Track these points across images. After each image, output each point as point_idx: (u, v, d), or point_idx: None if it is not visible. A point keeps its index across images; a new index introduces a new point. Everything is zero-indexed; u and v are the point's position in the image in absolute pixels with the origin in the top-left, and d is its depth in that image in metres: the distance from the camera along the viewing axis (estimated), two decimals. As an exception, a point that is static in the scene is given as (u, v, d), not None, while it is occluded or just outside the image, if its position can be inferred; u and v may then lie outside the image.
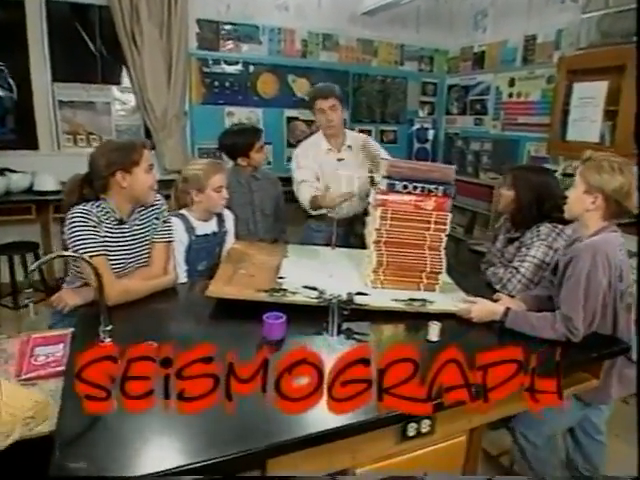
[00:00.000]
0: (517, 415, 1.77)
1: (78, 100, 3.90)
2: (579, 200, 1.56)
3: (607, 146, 3.26)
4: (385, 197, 1.71)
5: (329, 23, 4.48)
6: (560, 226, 1.92)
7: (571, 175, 3.70)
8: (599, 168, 1.51)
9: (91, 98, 3.95)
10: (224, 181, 2.05)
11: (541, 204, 1.94)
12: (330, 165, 2.48)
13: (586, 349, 1.48)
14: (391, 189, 1.70)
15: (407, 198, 1.70)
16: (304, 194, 2.45)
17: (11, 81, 3.73)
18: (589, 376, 1.53)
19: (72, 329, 1.50)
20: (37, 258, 3.26)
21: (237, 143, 2.52)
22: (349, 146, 2.57)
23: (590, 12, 3.56)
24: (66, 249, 1.61)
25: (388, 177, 1.70)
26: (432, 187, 1.71)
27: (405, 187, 1.68)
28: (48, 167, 3.53)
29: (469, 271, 2.33)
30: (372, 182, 2.02)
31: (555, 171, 3.96)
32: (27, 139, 3.75)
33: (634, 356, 1.59)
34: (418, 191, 1.70)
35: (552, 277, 1.75)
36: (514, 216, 2.03)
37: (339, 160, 2.51)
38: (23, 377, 1.26)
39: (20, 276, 3.42)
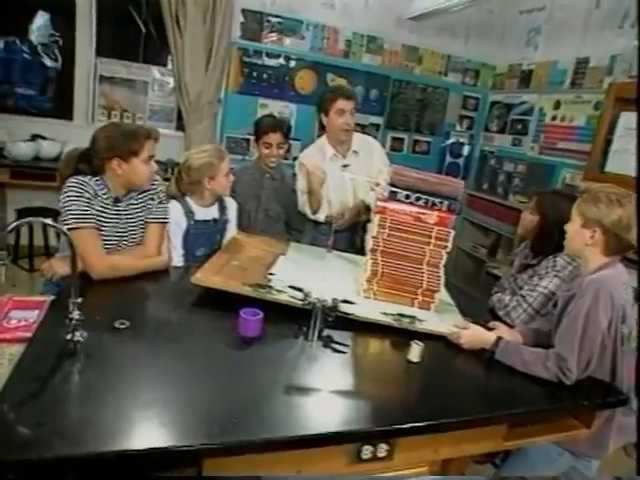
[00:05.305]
0: (505, 462, 1.67)
1: (118, 77, 3.98)
2: (577, 234, 1.48)
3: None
4: (385, 205, 1.63)
5: (375, 25, 4.38)
6: (579, 259, 1.81)
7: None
8: (596, 200, 1.42)
9: (131, 76, 4.02)
10: (229, 166, 2.06)
11: (564, 232, 1.84)
12: (333, 172, 2.34)
13: (579, 394, 1.36)
14: (392, 197, 1.62)
15: (408, 209, 1.62)
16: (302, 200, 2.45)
17: (57, 52, 3.85)
18: (579, 424, 1.40)
19: (53, 297, 1.49)
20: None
21: (256, 124, 2.51)
22: (355, 151, 2.46)
23: (646, 39, 3.35)
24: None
25: (392, 185, 1.62)
26: (437, 201, 1.62)
27: (407, 197, 1.60)
28: (79, 138, 3.49)
29: (480, 294, 2.24)
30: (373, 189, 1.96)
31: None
32: (63, 109, 3.86)
33: (634, 404, 1.45)
34: (421, 203, 1.62)
35: (554, 311, 1.64)
36: (534, 242, 1.93)
37: (344, 166, 2.40)
38: (-11, 338, 1.26)
39: (39, 241, 3.52)
